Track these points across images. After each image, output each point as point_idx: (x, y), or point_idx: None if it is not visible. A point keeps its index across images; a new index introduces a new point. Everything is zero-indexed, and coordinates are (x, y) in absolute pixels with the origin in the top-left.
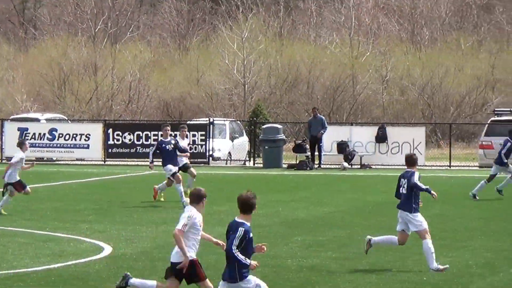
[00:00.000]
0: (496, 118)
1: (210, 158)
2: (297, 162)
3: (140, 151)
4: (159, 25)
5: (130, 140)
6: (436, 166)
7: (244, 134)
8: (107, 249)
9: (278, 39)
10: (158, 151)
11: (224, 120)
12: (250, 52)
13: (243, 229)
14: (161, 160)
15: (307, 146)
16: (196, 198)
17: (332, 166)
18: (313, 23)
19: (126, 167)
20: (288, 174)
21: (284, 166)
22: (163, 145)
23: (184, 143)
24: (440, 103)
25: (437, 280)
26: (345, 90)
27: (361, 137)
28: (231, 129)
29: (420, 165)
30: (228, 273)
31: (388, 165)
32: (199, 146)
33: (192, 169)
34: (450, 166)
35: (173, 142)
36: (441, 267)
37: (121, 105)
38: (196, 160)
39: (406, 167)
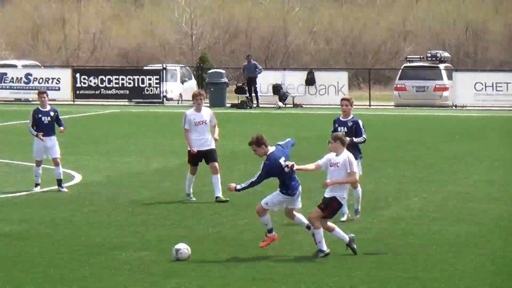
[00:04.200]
0: (408, 64)
1: (164, 99)
2: (239, 102)
3: (103, 92)
4: None
5: (95, 83)
6: (358, 105)
7: (193, 78)
8: (77, 177)
9: None
10: None
11: (175, 66)
12: (196, 7)
13: None
14: None
15: (247, 88)
16: None
17: (269, 106)
18: None
19: (92, 106)
20: (231, 112)
21: (228, 105)
22: None
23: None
24: (360, 51)
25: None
26: (278, 40)
27: (293, 80)
28: (181, 74)
29: None
30: None
31: (317, 104)
32: (154, 88)
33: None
34: (370, 105)
35: None
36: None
37: (87, 53)
38: (151, 100)
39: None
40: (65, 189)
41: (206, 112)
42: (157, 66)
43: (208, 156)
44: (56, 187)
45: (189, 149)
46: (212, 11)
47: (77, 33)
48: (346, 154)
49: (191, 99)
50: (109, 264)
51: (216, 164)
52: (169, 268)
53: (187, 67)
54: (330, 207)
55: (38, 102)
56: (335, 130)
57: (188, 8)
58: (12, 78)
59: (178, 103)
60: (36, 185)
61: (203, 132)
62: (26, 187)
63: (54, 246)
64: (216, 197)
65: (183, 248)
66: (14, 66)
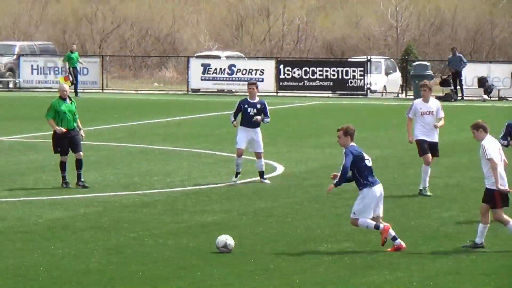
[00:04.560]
0: None
1: (368, 91)
2: (443, 94)
3: (307, 84)
4: None
5: (298, 75)
6: None
7: (397, 70)
8: (280, 169)
9: None
10: None
11: (380, 58)
12: None
13: None
14: None
15: (452, 81)
16: None
17: (473, 98)
18: None
19: (296, 98)
20: None
21: (432, 97)
22: None
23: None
24: None
25: None
26: (484, 33)
27: (499, 73)
28: (385, 66)
29: None
30: None
31: None
32: (358, 80)
33: None
34: None
35: None
36: None
37: (291, 45)
38: (355, 92)
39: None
40: (267, 181)
41: (434, 103)
42: (362, 58)
43: (430, 148)
44: (258, 178)
45: (410, 139)
46: (417, 3)
47: (281, 24)
48: (482, 142)
49: (395, 91)
50: (310, 256)
51: (432, 157)
52: (370, 260)
53: (392, 59)
54: (493, 200)
55: (241, 94)
56: (509, 133)
57: (393, 0)
58: (216, 69)
59: (382, 96)
60: (237, 174)
61: (429, 123)
62: (228, 178)
63: (255, 238)
64: (420, 190)
65: (227, 240)
66: (218, 57)
